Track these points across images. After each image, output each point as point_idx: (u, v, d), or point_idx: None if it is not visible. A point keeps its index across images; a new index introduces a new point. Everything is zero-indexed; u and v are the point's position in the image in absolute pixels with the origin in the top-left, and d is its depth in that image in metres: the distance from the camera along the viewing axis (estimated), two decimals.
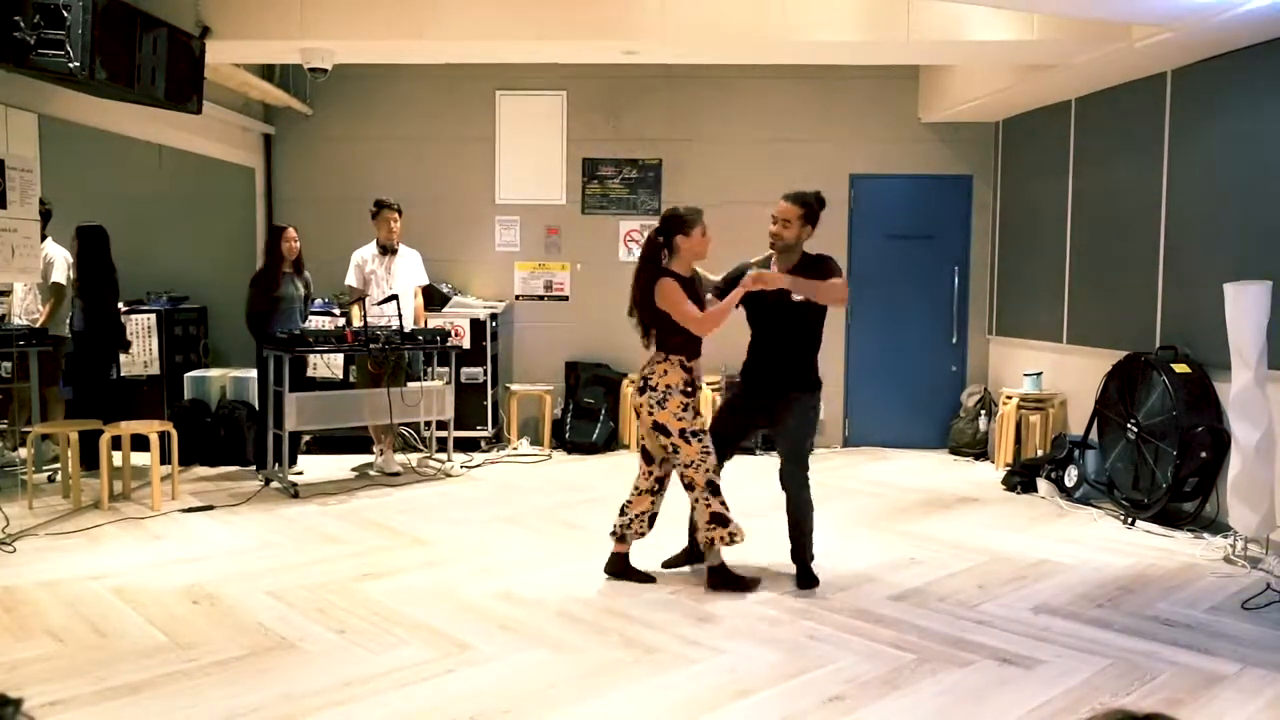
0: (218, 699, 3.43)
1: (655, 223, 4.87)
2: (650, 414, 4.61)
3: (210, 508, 6.11)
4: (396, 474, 7.15)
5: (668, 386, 4.59)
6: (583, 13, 6.18)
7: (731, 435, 4.90)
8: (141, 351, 7.77)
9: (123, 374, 7.31)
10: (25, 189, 5.81)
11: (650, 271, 4.64)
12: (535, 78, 8.47)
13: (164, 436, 6.28)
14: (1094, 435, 6.56)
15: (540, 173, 8.65)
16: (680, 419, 4.58)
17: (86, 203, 7.64)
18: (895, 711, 3.42)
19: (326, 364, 7.67)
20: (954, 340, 8.61)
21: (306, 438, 7.45)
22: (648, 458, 4.77)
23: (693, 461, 4.60)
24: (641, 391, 4.65)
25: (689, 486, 4.65)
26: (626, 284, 8.96)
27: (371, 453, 7.45)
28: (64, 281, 7.01)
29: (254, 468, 6.95)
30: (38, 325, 6.94)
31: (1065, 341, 7.41)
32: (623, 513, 4.81)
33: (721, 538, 4.61)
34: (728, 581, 4.63)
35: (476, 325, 8.15)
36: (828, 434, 8.45)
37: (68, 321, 7.02)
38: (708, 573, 4.67)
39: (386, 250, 7.27)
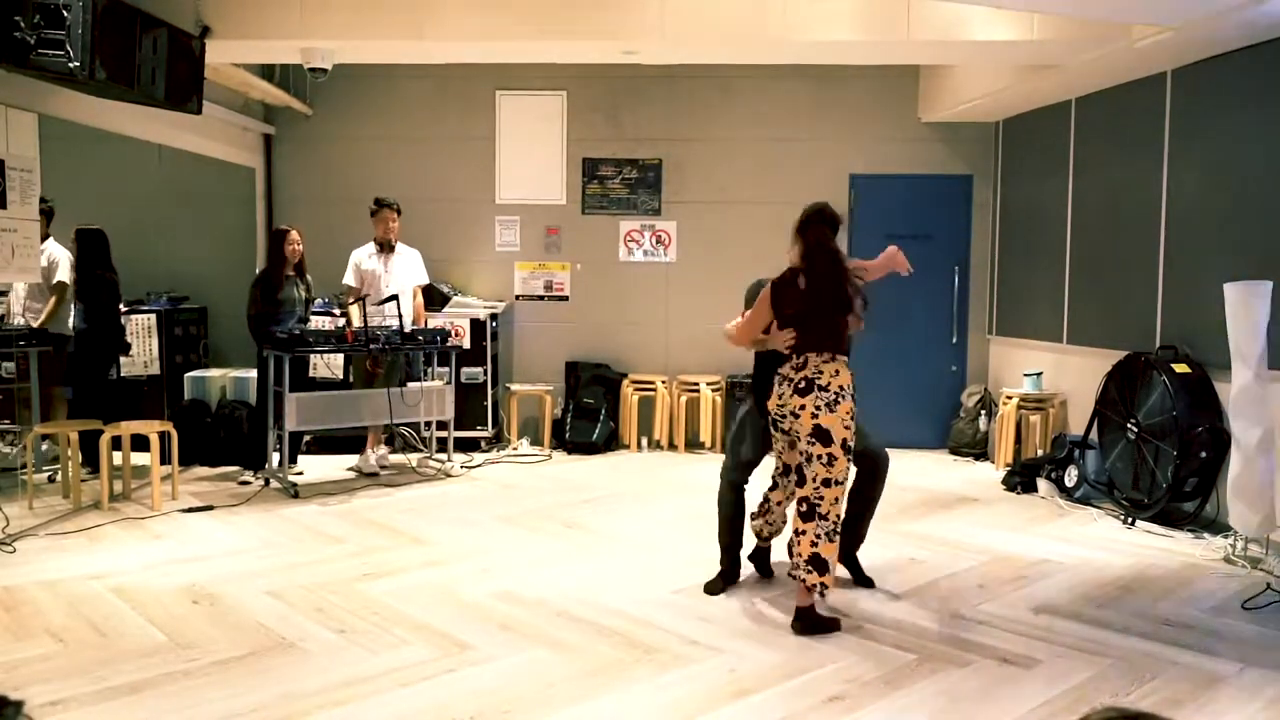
0: (218, 699, 3.43)
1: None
2: (814, 416, 4.11)
3: (210, 508, 6.11)
4: (375, 474, 7.14)
5: (840, 388, 4.17)
6: (583, 13, 6.18)
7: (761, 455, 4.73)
8: (142, 352, 7.77)
9: (123, 374, 7.32)
10: (25, 189, 5.81)
11: (842, 260, 4.29)
12: (535, 78, 8.47)
13: (164, 436, 6.28)
14: (1094, 435, 6.55)
15: (540, 173, 8.65)
16: (847, 427, 4.16)
17: (86, 203, 7.64)
18: (895, 711, 3.41)
19: (326, 364, 7.67)
20: (954, 340, 8.61)
21: (307, 438, 7.45)
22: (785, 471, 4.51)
23: (839, 480, 4.15)
24: (806, 392, 4.14)
25: (812, 514, 4.13)
26: (627, 284, 8.96)
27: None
28: (67, 281, 7.00)
29: (252, 470, 6.93)
30: (37, 324, 6.94)
31: (1065, 341, 7.41)
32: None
33: (815, 586, 4.12)
34: (817, 625, 4.13)
35: (476, 325, 8.15)
36: None
37: (69, 321, 7.02)
38: (797, 613, 4.17)
39: (384, 247, 7.28)
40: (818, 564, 4.11)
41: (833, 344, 4.22)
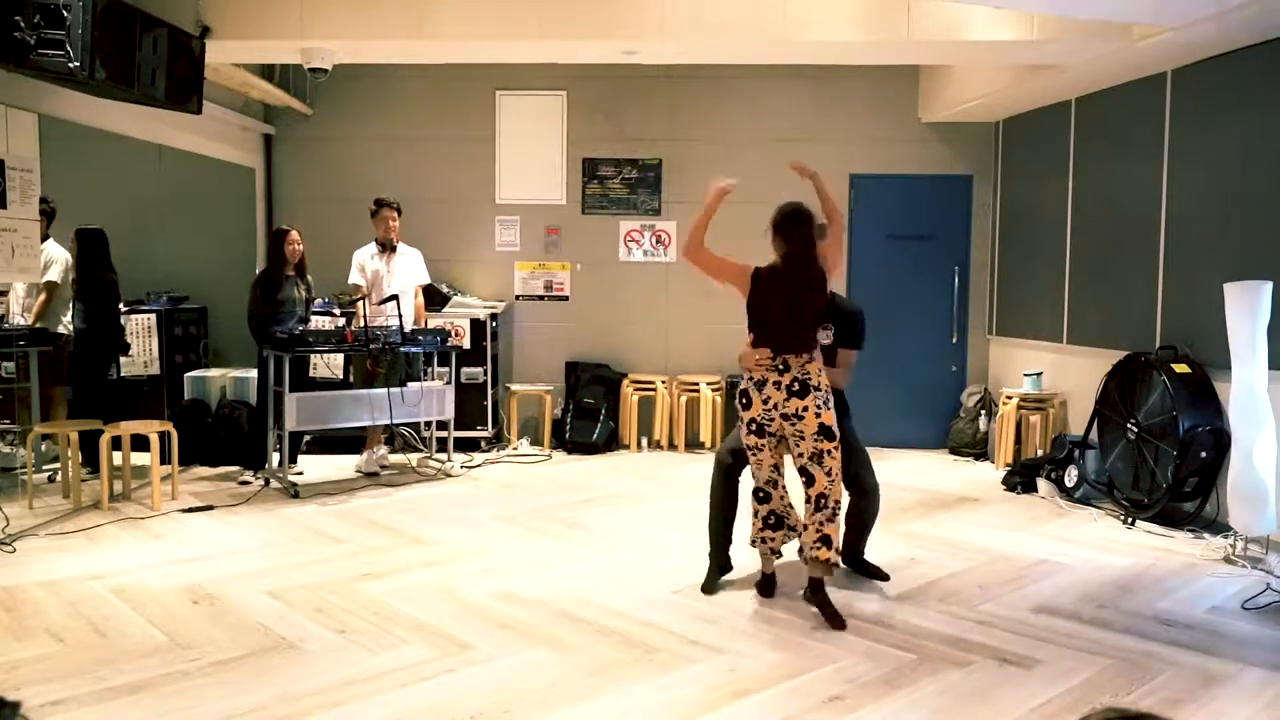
0: (218, 699, 3.43)
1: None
2: (817, 415, 4.25)
3: (210, 508, 6.11)
4: (375, 474, 7.14)
5: (828, 386, 4.33)
6: (583, 13, 6.18)
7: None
8: (141, 351, 7.77)
9: (123, 374, 7.32)
10: (25, 189, 5.81)
11: (820, 266, 4.37)
12: (535, 78, 8.47)
13: (164, 436, 6.28)
14: (1094, 435, 6.56)
15: (540, 173, 8.65)
16: (839, 423, 4.38)
17: (86, 203, 7.64)
18: (895, 711, 3.41)
19: (326, 364, 7.67)
20: (954, 340, 8.61)
21: (307, 438, 7.45)
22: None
23: (839, 466, 4.33)
24: (803, 394, 4.26)
25: (826, 504, 4.29)
26: (627, 284, 8.93)
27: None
28: (58, 280, 6.99)
29: (252, 470, 6.93)
30: (28, 323, 6.94)
31: (1065, 341, 7.41)
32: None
33: (827, 560, 4.31)
34: (827, 602, 4.30)
35: (476, 325, 8.15)
36: None
37: (68, 322, 7.02)
38: (812, 583, 4.37)
39: (385, 247, 7.29)
40: (827, 542, 4.31)
41: (812, 346, 4.38)
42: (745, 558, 4.84)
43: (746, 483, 4.75)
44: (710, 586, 4.67)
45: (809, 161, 4.59)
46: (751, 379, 4.38)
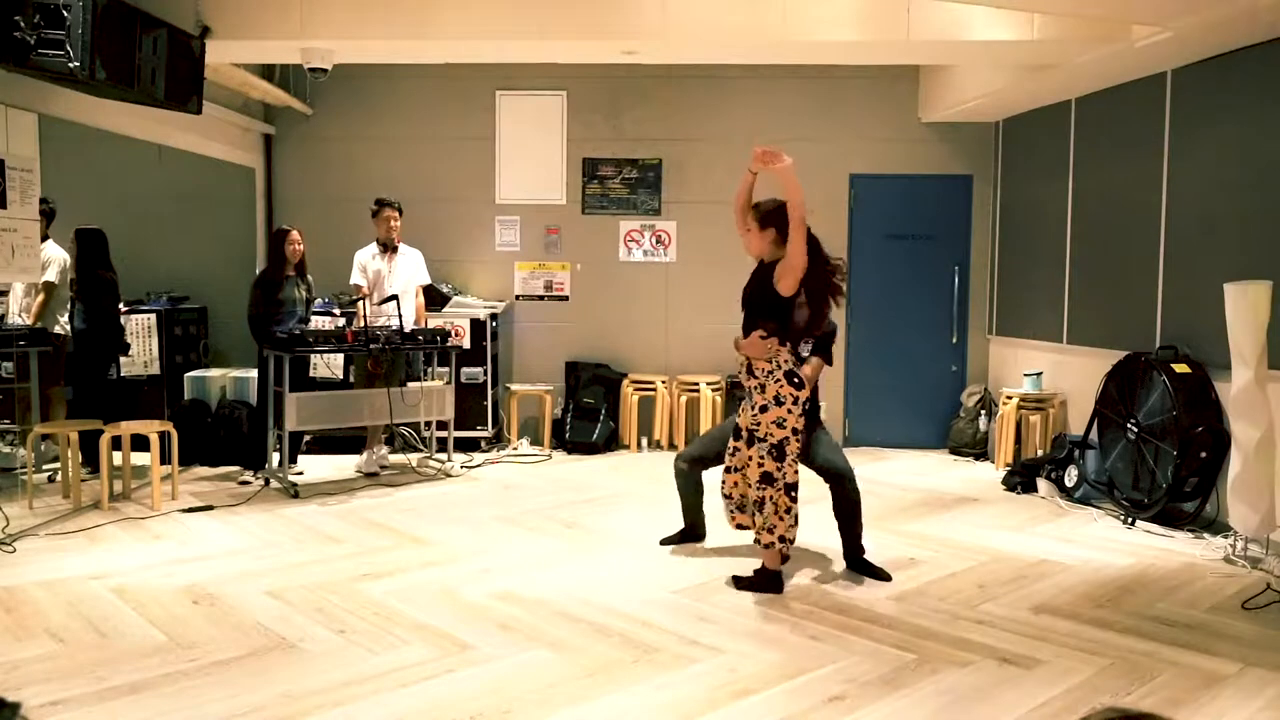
0: (218, 699, 3.43)
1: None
2: None
3: (210, 508, 6.11)
4: (375, 474, 7.14)
5: None
6: (583, 13, 6.18)
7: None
8: (141, 351, 7.77)
9: (123, 374, 7.32)
10: (25, 189, 5.81)
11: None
12: (535, 78, 8.47)
13: (164, 436, 6.28)
14: (1094, 435, 6.55)
15: (540, 173, 8.65)
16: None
17: (87, 203, 7.64)
18: (895, 711, 3.42)
19: (327, 364, 7.67)
20: (954, 340, 8.61)
21: (307, 438, 7.46)
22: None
23: None
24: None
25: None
26: (627, 284, 8.93)
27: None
28: (55, 280, 6.99)
29: (252, 470, 6.93)
30: (27, 323, 6.94)
31: (1065, 341, 7.41)
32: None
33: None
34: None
35: (477, 325, 8.15)
36: None
37: (66, 322, 7.02)
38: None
39: (387, 248, 7.29)
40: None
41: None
42: (738, 552, 4.85)
43: (712, 475, 5.07)
44: (670, 540, 5.37)
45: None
46: (786, 362, 4.60)
